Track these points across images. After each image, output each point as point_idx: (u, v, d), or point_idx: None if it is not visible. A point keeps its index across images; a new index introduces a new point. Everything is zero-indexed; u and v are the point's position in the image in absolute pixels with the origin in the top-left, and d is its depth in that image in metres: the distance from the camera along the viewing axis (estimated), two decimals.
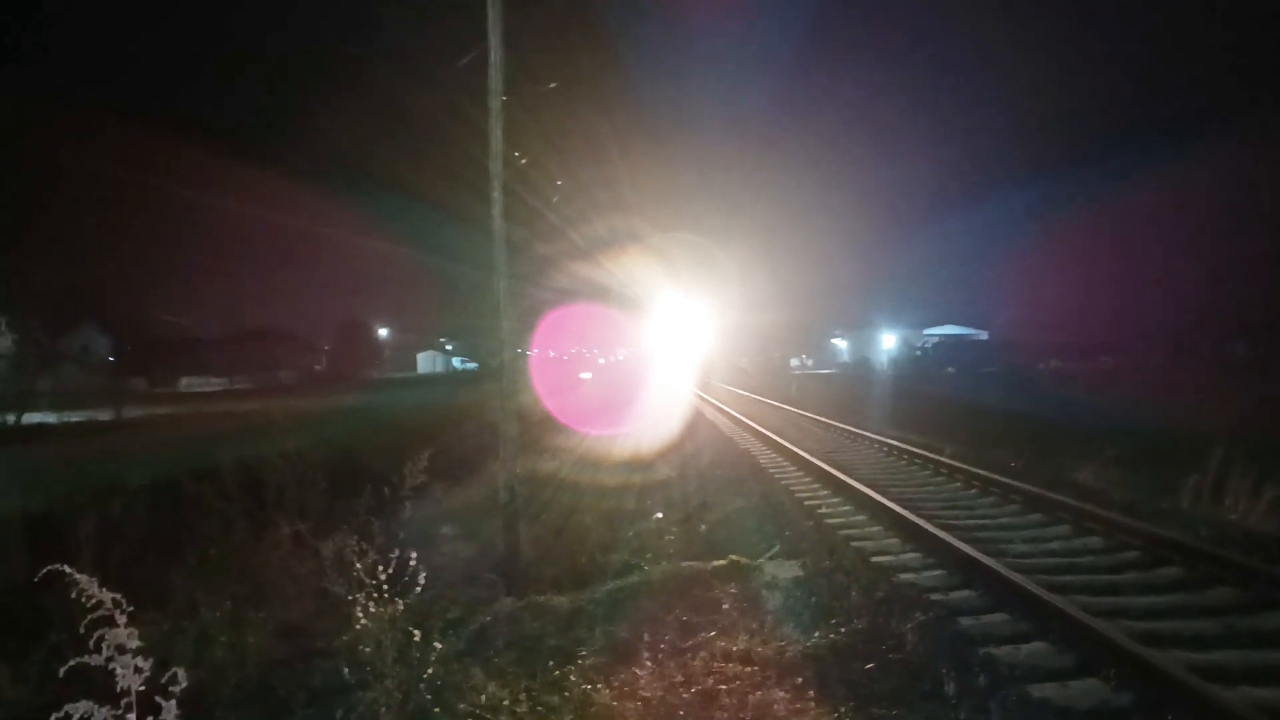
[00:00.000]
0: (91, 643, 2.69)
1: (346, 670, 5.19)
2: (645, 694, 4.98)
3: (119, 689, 2.67)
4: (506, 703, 4.98)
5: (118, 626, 2.73)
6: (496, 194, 9.80)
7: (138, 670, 2.70)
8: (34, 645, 5.70)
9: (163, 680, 2.72)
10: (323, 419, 27.80)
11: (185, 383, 67.97)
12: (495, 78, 9.70)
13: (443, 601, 6.94)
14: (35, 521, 10.40)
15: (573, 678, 5.28)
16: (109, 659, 2.69)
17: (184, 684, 2.72)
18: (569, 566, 9.34)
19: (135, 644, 2.74)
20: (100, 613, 2.76)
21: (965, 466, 11.73)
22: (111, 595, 2.77)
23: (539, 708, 4.91)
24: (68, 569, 2.88)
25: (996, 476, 10.72)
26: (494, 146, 9.77)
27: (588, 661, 5.58)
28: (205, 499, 9.52)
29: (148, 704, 2.73)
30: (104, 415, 33.26)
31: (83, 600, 2.77)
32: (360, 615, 5.19)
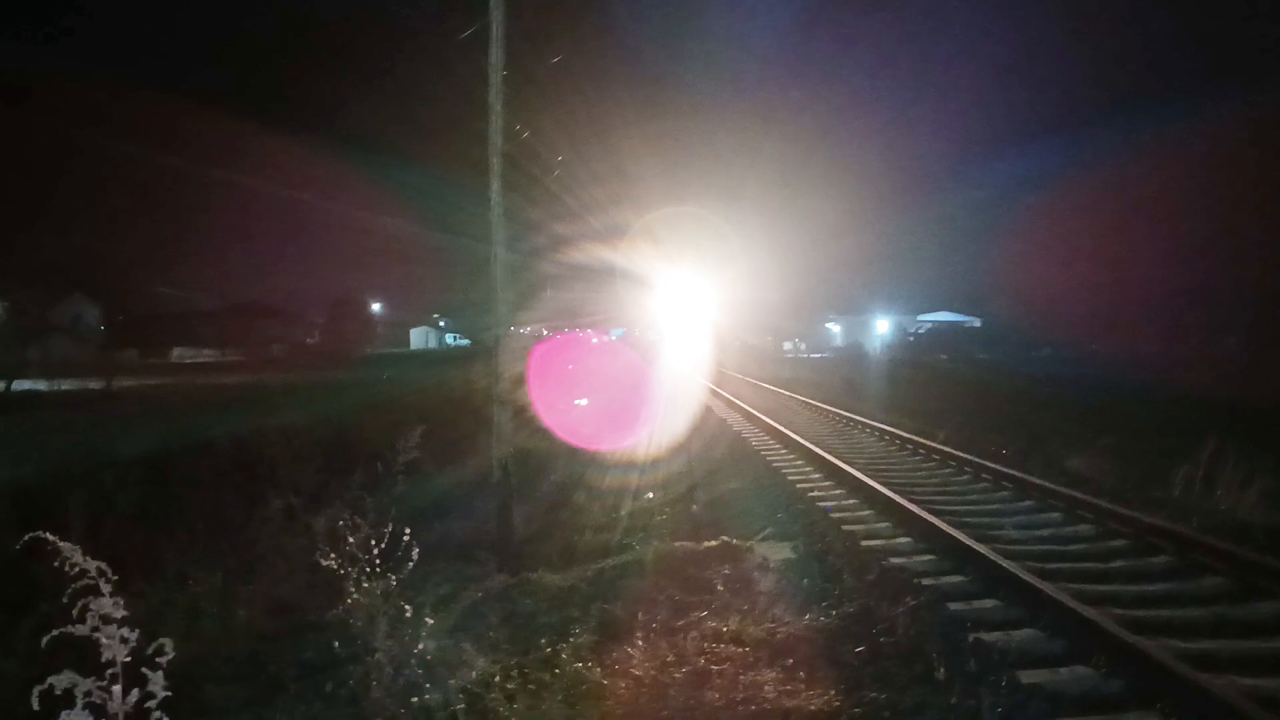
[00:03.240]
0: (75, 612, 2.66)
1: (337, 644, 5.18)
2: (637, 672, 4.98)
3: (104, 660, 2.63)
4: (498, 679, 4.97)
5: (103, 596, 2.69)
6: (496, 167, 9.72)
7: (124, 641, 2.67)
8: (24, 616, 5.68)
9: (149, 651, 2.69)
10: (311, 393, 27.76)
11: (176, 354, 67.71)
12: (497, 52, 9.60)
13: (435, 577, 6.95)
14: (25, 491, 10.37)
15: (564, 655, 5.28)
16: (94, 629, 2.65)
17: (171, 654, 2.68)
18: (561, 545, 9.35)
19: (121, 614, 2.70)
20: (85, 582, 2.72)
21: (956, 452, 11.75)
22: (96, 563, 2.74)
23: (530, 685, 4.91)
24: (49, 536, 2.84)
25: (987, 463, 10.74)
26: (494, 120, 9.68)
27: (580, 639, 5.58)
28: (197, 472, 9.49)
29: (135, 676, 2.70)
30: (94, 385, 33.12)
31: (68, 569, 2.74)
32: (352, 590, 5.18)
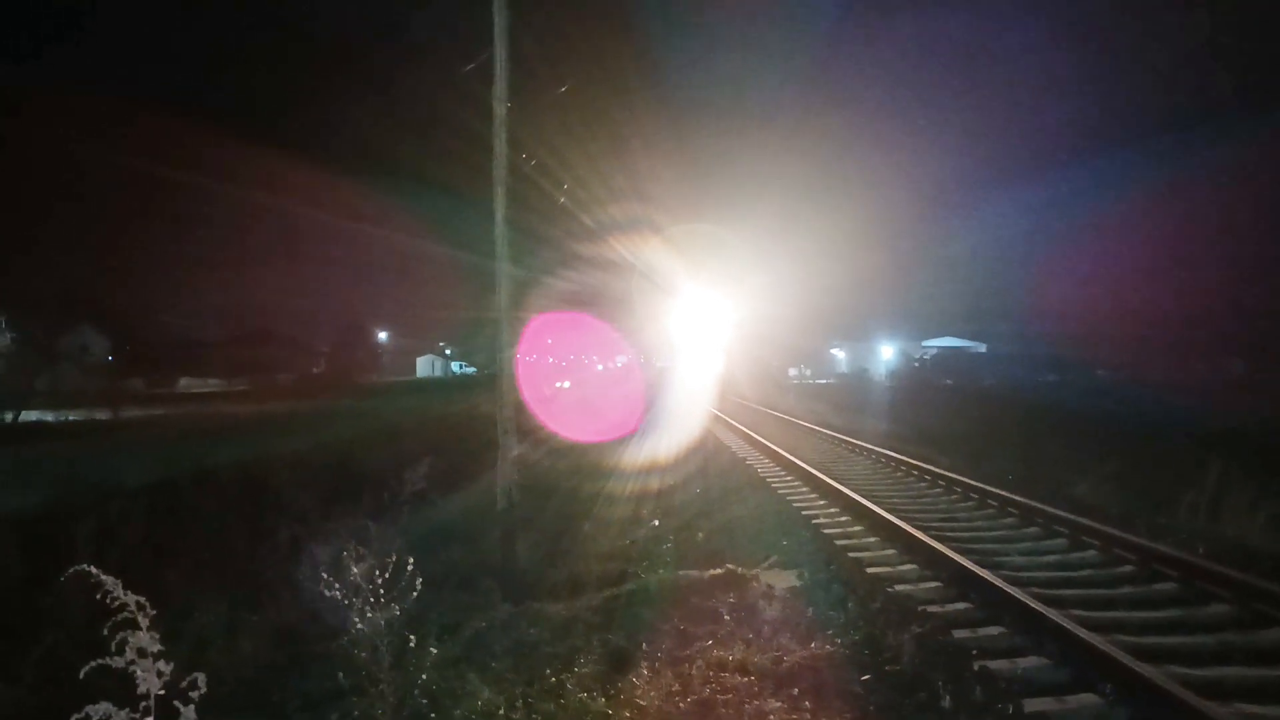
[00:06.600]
0: (113, 645, 2.71)
1: (342, 675, 5.18)
2: (642, 703, 4.97)
3: (139, 691, 2.68)
4: (502, 710, 4.97)
5: (140, 630, 2.74)
6: (500, 196, 9.77)
7: (159, 674, 2.71)
8: (29, 645, 5.69)
9: (182, 685, 2.74)
10: (316, 422, 27.81)
11: (183, 383, 67.82)
12: (500, 85, 9.69)
13: (439, 607, 6.94)
14: (29, 522, 10.39)
15: (569, 685, 5.28)
16: (130, 662, 2.70)
17: (203, 689, 2.73)
18: (566, 574, 9.32)
19: (157, 648, 2.75)
20: (126, 615, 2.77)
21: (961, 478, 11.72)
22: (135, 598, 2.79)
23: (535, 715, 4.90)
24: (93, 569, 2.90)
25: (992, 488, 10.70)
26: (498, 153, 9.75)
27: (584, 669, 5.57)
28: (203, 501, 9.52)
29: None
30: (101, 415, 33.22)
31: (106, 601, 2.79)
32: (356, 620, 5.18)
